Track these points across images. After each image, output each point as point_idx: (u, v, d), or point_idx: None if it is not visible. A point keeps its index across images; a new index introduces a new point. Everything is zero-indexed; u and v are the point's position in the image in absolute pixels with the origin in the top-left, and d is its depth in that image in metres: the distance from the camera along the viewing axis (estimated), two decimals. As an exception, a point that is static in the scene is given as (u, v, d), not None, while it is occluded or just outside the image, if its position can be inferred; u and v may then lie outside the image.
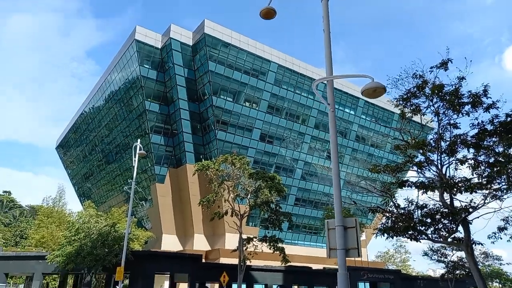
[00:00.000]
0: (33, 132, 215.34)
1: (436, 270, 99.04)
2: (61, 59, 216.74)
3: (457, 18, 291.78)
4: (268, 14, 11.74)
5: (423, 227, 13.17)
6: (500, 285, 59.85)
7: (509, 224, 15.21)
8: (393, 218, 13.77)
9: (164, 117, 52.26)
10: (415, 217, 13.48)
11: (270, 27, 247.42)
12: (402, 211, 14.47)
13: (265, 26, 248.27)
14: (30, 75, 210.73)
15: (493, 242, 14.30)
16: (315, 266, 45.28)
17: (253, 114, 53.20)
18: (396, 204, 14.01)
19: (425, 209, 13.32)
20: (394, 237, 14.22)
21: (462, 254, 47.62)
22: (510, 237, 15.60)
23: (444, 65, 13.84)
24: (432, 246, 47.61)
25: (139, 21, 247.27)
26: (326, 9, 10.65)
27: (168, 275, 39.74)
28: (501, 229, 15.25)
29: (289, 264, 33.00)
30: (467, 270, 47.07)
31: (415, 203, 13.54)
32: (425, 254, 47.45)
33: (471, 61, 13.48)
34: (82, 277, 39.28)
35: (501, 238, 15.69)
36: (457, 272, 47.12)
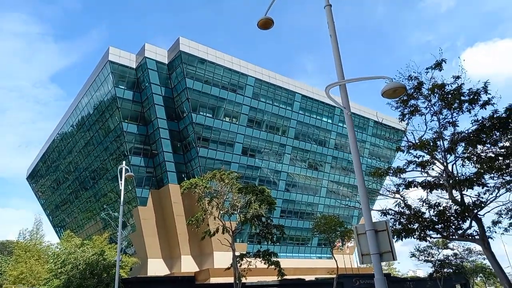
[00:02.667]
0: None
1: (416, 271, 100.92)
2: (24, 86, 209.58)
3: (416, 28, 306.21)
4: (266, 24, 11.70)
5: (438, 226, 13.24)
6: (484, 279, 61.34)
7: (502, 217, 15.58)
8: (403, 220, 13.80)
9: (143, 138, 51.11)
10: (426, 216, 13.58)
11: (242, 41, 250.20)
12: (408, 211, 14.51)
13: (238, 41, 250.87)
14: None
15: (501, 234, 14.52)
16: (307, 278, 44.94)
17: (234, 128, 52.96)
18: (407, 205, 14.04)
19: (439, 208, 13.44)
20: (404, 239, 14.21)
21: (448, 252, 48.78)
22: (504, 229, 15.97)
23: (438, 66, 14.22)
24: (419, 247, 48.50)
25: (104, 43, 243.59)
26: (330, 15, 10.68)
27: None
28: (495, 223, 15.58)
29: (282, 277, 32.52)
30: (453, 268, 48.18)
31: (428, 203, 13.65)
32: (413, 255, 48.15)
33: (464, 60, 13.92)
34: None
35: (495, 232, 16.03)
36: (445, 270, 48.11)
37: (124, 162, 27.70)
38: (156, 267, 48.79)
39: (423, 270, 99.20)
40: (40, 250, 47.97)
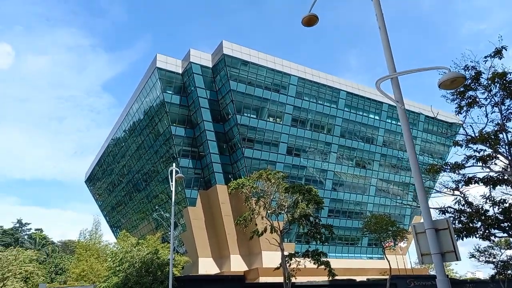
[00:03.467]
0: (56, 168, 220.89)
1: (475, 272, 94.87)
2: (78, 95, 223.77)
3: (467, 16, 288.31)
4: (310, 21, 11.53)
5: (504, 224, 12.39)
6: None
7: None
8: (464, 218, 13.04)
9: (191, 140, 52.57)
10: (490, 214, 12.74)
11: (284, 41, 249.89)
12: (469, 209, 13.68)
13: (279, 41, 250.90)
14: (50, 113, 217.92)
15: None
16: (357, 278, 43.81)
17: (278, 128, 52.95)
18: (468, 202, 13.25)
19: (504, 204, 12.57)
20: (465, 238, 13.42)
21: (511, 252, 45.41)
22: None
23: (498, 53, 13.28)
24: (479, 247, 45.63)
25: (149, 51, 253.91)
26: (379, 6, 10.33)
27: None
28: None
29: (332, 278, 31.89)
30: (519, 269, 44.76)
31: (492, 200, 12.81)
32: (472, 256, 45.40)
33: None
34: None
35: None
36: (509, 272, 44.84)
37: (174, 164, 28.65)
38: (207, 266, 49.96)
39: (483, 272, 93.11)
40: (99, 249, 50.95)
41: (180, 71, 52.29)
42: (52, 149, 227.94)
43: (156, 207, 60.91)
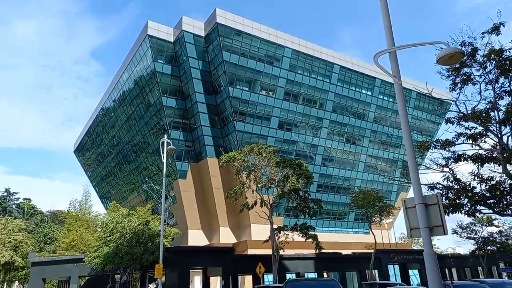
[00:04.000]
0: (44, 138, 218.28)
1: (455, 248, 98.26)
2: (65, 63, 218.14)
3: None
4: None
5: (489, 201, 12.64)
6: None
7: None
8: (451, 195, 13.25)
9: (182, 112, 52.02)
10: (477, 191, 12.96)
11: (278, 12, 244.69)
12: (457, 186, 13.89)
13: (273, 12, 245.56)
14: (36, 81, 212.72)
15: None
16: (343, 252, 44.95)
17: (270, 102, 52.61)
18: (456, 179, 13.43)
19: (491, 182, 12.77)
20: (451, 214, 13.69)
21: (492, 229, 46.94)
22: None
23: (495, 29, 13.08)
24: (461, 223, 47.00)
25: (140, 18, 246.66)
26: (379, -22, 9.99)
27: (197, 271, 39.91)
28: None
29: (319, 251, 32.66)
30: (498, 245, 46.42)
31: (479, 177, 12.99)
32: (455, 232, 46.82)
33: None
34: (114, 278, 39.58)
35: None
36: (488, 248, 46.49)
37: (165, 136, 28.38)
38: (196, 238, 50.69)
39: (464, 248, 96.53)
40: (89, 219, 51.15)
41: (172, 40, 51.03)
42: (40, 119, 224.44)
43: (146, 179, 60.94)
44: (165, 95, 50.46)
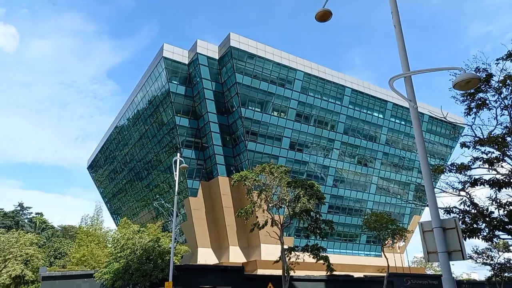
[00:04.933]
0: (58, 154, 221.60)
1: (470, 274, 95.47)
2: (82, 81, 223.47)
3: (475, 17, 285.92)
4: (324, 16, 11.51)
5: (508, 226, 12.52)
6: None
7: None
8: (468, 219, 13.17)
9: (194, 131, 52.68)
10: (495, 216, 12.87)
11: (291, 35, 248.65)
12: (474, 210, 13.79)
13: (286, 35, 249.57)
14: (52, 98, 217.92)
15: None
16: (355, 275, 44.16)
17: (282, 123, 53.00)
18: (473, 203, 13.37)
19: (510, 207, 12.69)
20: (468, 239, 13.56)
21: (509, 255, 45.66)
22: None
23: (510, 56, 13.29)
24: (477, 249, 45.86)
25: (155, 40, 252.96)
26: (395, 5, 10.37)
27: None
28: None
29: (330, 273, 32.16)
30: (514, 271, 44.99)
31: (497, 202, 12.92)
32: (470, 257, 45.63)
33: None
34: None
35: None
36: (505, 274, 45.11)
37: (178, 154, 28.77)
38: (206, 256, 50.34)
39: (479, 273, 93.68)
40: (100, 235, 51.34)
41: (186, 62, 52.25)
42: (54, 135, 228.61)
43: (157, 196, 61.24)
44: (179, 114, 51.28)
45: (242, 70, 49.74)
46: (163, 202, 58.22)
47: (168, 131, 53.32)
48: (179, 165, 27.45)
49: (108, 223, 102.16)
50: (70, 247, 60.79)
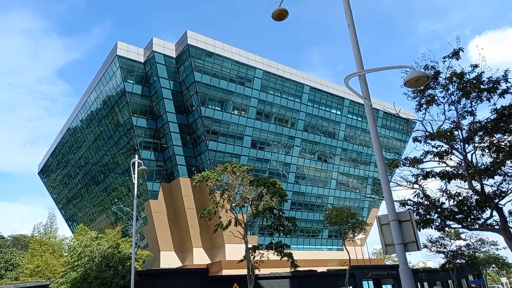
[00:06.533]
0: (6, 160, 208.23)
1: (425, 262, 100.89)
2: (30, 82, 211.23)
3: (423, 16, 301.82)
4: (280, 15, 11.61)
5: (458, 216, 13.22)
6: (497, 270, 61.12)
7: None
8: (422, 211, 13.78)
9: (153, 132, 51.37)
10: (446, 206, 13.54)
11: (249, 33, 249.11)
12: (427, 202, 14.45)
13: (245, 33, 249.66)
14: (1, 101, 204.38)
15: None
16: (318, 269, 45.11)
17: (243, 121, 52.97)
18: (426, 195, 14.00)
19: (459, 198, 13.40)
20: (422, 229, 14.19)
21: (460, 243, 48.58)
22: None
23: (456, 54, 14.02)
24: (431, 238, 48.37)
25: (108, 39, 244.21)
26: (348, 5, 10.60)
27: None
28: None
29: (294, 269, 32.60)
30: (466, 258, 48.01)
31: (447, 193, 13.60)
32: (425, 246, 48.01)
33: (482, 48, 13.76)
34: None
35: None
36: (457, 261, 47.98)
37: (136, 156, 27.88)
38: (169, 260, 49.37)
39: (434, 261, 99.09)
40: (55, 243, 48.80)
41: (142, 60, 50.78)
42: (2, 140, 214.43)
43: (115, 200, 59.18)
44: (136, 115, 49.79)
45: (200, 69, 49.12)
46: (122, 206, 56.35)
47: (125, 132, 51.60)
48: (138, 167, 26.54)
49: (63, 230, 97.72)
50: (22, 257, 57.36)
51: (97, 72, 56.59)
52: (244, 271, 31.90)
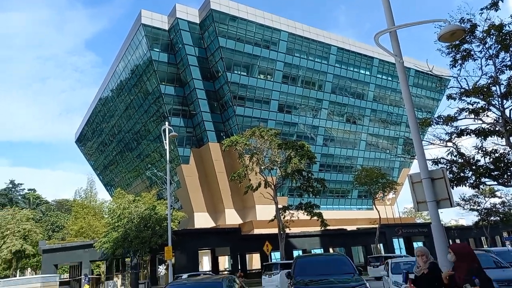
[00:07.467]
0: (43, 130, 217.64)
1: (458, 220, 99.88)
2: (60, 54, 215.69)
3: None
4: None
5: (494, 173, 13.04)
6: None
7: None
8: (455, 169, 13.65)
9: (181, 99, 52.07)
10: (481, 164, 13.35)
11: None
12: (461, 160, 14.25)
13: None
14: (33, 73, 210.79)
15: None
16: (348, 228, 45.87)
17: (269, 85, 52.60)
18: (460, 153, 13.79)
19: (495, 154, 13.15)
20: (456, 187, 14.11)
21: (495, 200, 47.57)
22: None
23: (494, 5, 13.21)
24: (464, 196, 47.60)
25: (132, 6, 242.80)
26: (380, -42, 10.10)
27: (205, 251, 40.84)
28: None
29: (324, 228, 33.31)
30: (501, 215, 47.17)
31: (483, 150, 13.36)
32: (458, 204, 47.38)
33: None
34: (124, 261, 40.37)
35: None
36: (491, 218, 47.28)
37: (167, 123, 28.60)
38: (202, 220, 51.51)
39: (466, 219, 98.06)
40: (95, 206, 51.87)
41: (166, 28, 50.62)
42: (38, 111, 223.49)
43: (149, 166, 61.40)
44: (163, 83, 50.40)
45: (225, 34, 48.54)
46: (155, 171, 58.45)
47: (154, 100, 52.60)
48: (169, 133, 27.34)
49: (102, 194, 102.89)
50: (67, 220, 61.45)
51: (123, 42, 57.16)
52: (274, 230, 33.01)
